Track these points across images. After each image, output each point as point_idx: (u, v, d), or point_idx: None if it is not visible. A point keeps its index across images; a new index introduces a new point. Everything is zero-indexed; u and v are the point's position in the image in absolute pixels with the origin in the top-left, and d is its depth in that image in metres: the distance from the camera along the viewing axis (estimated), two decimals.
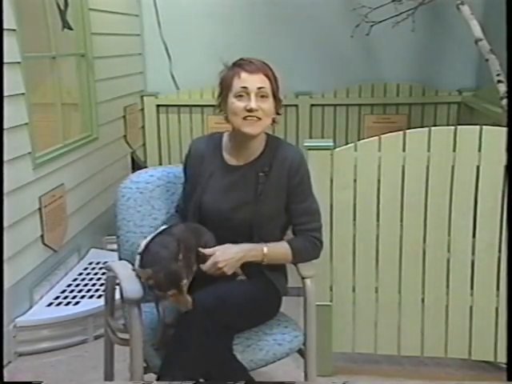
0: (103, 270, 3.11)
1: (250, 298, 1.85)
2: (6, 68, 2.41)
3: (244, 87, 1.85)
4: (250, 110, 1.84)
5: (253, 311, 1.88)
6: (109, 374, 2.13)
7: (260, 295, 1.90)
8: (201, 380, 1.72)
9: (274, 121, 1.93)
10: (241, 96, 1.86)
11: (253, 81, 1.85)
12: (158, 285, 1.67)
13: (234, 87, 1.87)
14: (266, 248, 1.86)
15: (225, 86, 1.90)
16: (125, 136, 4.29)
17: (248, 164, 1.94)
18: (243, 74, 1.86)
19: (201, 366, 1.70)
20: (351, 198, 2.36)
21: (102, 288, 2.89)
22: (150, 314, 1.98)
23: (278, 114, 1.95)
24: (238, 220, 1.89)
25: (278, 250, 1.90)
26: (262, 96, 1.86)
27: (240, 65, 1.89)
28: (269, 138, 1.97)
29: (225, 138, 1.99)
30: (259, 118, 1.86)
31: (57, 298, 2.91)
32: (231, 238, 1.86)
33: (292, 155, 1.94)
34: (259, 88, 1.85)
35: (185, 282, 1.67)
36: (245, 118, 1.86)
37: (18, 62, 2.72)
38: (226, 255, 1.80)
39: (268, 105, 1.88)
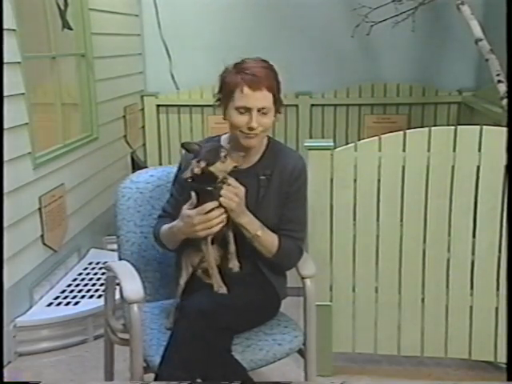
0: (103, 270, 3.10)
1: (248, 300, 1.85)
2: (6, 68, 2.42)
3: (246, 107, 1.81)
4: (251, 129, 1.82)
5: (251, 313, 1.88)
6: (109, 374, 2.13)
7: (259, 297, 1.90)
8: (199, 380, 1.72)
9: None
10: (242, 112, 1.82)
11: (255, 99, 1.81)
12: (207, 159, 1.72)
13: (236, 100, 1.82)
14: (260, 231, 1.85)
15: (226, 92, 1.85)
16: (125, 136, 4.29)
17: (249, 168, 1.92)
18: (246, 90, 1.80)
19: (198, 366, 1.70)
20: (351, 198, 2.36)
21: (102, 288, 2.89)
22: (150, 314, 1.99)
23: (278, 112, 1.91)
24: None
25: (268, 238, 1.88)
26: (264, 113, 1.83)
27: (243, 77, 1.81)
28: (270, 141, 1.96)
29: (223, 141, 1.96)
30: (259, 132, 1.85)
31: (57, 298, 2.91)
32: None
33: (295, 162, 1.93)
34: (261, 108, 1.82)
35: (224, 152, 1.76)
36: (244, 133, 1.84)
37: (18, 62, 2.72)
38: (242, 194, 1.79)
39: (268, 119, 1.85)
